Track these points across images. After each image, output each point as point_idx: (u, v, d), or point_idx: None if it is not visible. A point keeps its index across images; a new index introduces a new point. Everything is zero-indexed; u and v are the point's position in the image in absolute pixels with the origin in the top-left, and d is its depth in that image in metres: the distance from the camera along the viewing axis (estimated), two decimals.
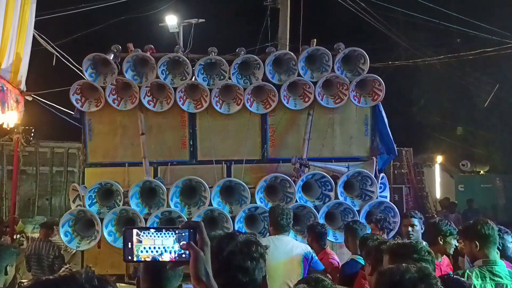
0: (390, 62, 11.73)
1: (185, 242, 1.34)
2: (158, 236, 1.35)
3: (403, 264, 1.80)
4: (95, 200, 4.98)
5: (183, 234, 1.35)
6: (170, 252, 1.35)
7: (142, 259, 1.35)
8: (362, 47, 5.55)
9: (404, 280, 1.71)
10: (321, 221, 5.01)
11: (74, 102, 5.31)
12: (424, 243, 2.58)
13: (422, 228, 4.27)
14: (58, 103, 8.53)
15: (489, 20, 10.76)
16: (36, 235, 7.54)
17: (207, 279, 1.32)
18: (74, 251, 6.18)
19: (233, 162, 5.58)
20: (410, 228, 4.19)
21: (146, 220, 4.85)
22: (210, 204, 5.00)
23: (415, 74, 15.94)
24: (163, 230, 1.36)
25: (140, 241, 1.34)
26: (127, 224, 4.73)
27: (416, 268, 1.76)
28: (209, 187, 5.02)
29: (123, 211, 4.88)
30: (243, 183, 5.07)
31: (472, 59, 11.84)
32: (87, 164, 5.60)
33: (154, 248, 1.34)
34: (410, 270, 1.74)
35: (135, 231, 1.36)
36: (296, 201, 5.07)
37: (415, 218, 4.31)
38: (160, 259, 1.35)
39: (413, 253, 2.24)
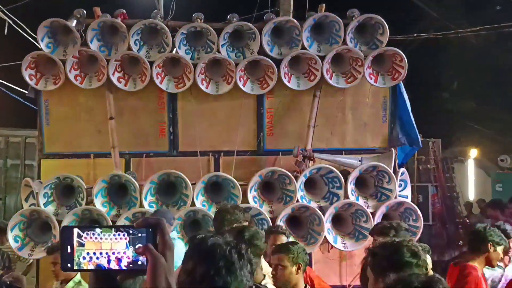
0: (415, 35, 11.61)
1: (141, 245, 1.27)
2: (106, 238, 1.28)
3: (411, 273, 1.91)
4: (51, 198, 4.97)
5: (139, 235, 1.28)
6: (122, 259, 1.28)
7: (85, 268, 1.28)
8: (381, 15, 5.49)
9: None
10: (328, 225, 4.99)
11: (27, 79, 5.26)
12: (411, 242, 2.60)
13: None
14: (11, 81, 8.46)
15: None
16: None
17: None
18: (31, 260, 6.13)
19: (222, 154, 5.56)
20: None
21: (114, 222, 4.83)
22: (193, 204, 4.98)
23: (445, 50, 15.83)
24: (113, 230, 1.29)
25: (82, 244, 1.27)
26: None
27: (423, 278, 1.86)
28: (192, 184, 5.00)
29: (86, 211, 4.87)
30: (233, 179, 5.05)
31: None
32: (44, 155, 5.55)
33: (101, 253, 1.27)
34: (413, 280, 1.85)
35: (75, 231, 1.29)
36: (297, 201, 5.05)
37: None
38: (108, 268, 1.28)
39: (393, 255, 2.37)
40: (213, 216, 4.88)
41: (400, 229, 4.21)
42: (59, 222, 4.81)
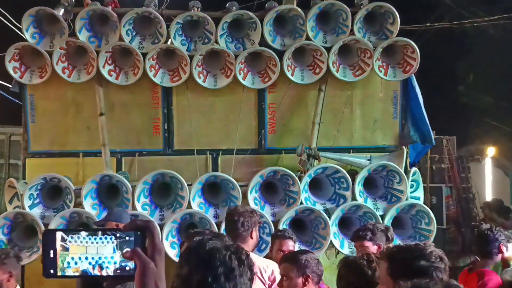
0: (428, 24, 11.61)
1: (129, 249, 1.29)
2: (92, 242, 1.30)
3: (428, 280, 1.89)
4: (37, 200, 4.97)
5: (127, 238, 1.31)
6: (109, 264, 1.29)
7: (69, 274, 1.29)
8: (392, 3, 5.50)
9: None
10: (334, 228, 5.00)
11: (11, 72, 5.27)
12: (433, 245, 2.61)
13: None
14: None
15: None
16: None
17: None
18: None
19: (220, 153, 5.58)
20: None
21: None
22: (189, 207, 4.98)
23: (460, 41, 15.81)
24: (99, 233, 1.32)
25: (66, 249, 1.29)
26: None
27: (441, 284, 1.86)
28: (188, 184, 5.01)
29: (75, 214, 4.86)
30: (232, 180, 5.05)
31: None
32: (29, 154, 5.58)
33: (86, 258, 1.29)
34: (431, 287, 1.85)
35: (59, 234, 1.31)
36: (301, 203, 5.05)
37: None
38: (94, 273, 1.29)
39: (419, 259, 2.35)
40: (210, 219, 4.92)
41: (377, 230, 4.16)
42: (46, 225, 4.81)
